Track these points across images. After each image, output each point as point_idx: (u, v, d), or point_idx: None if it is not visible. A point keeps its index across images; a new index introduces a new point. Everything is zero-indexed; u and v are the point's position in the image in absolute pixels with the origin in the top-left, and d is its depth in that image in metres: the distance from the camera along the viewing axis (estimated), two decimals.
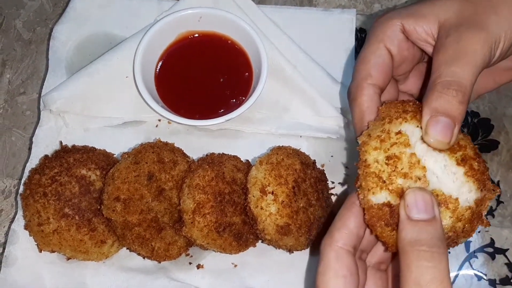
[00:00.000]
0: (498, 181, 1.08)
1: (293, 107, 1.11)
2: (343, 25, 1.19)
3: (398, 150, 0.66)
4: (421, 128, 0.68)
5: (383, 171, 0.66)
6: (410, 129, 0.68)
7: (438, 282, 0.59)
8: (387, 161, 0.66)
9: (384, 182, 0.66)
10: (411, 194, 0.65)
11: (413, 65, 0.84)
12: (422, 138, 0.67)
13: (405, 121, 0.69)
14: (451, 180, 0.67)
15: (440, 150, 0.67)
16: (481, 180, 0.68)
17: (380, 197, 0.67)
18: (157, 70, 1.12)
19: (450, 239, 0.68)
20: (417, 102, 0.73)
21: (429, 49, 0.77)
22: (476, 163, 0.68)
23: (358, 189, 0.69)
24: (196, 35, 1.14)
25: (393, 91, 0.85)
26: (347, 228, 0.68)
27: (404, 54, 0.80)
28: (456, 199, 0.66)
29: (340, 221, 0.69)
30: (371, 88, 0.77)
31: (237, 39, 1.12)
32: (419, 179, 0.66)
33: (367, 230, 0.71)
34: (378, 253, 0.76)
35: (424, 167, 0.66)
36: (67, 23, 1.19)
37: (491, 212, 1.06)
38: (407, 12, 0.78)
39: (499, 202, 1.06)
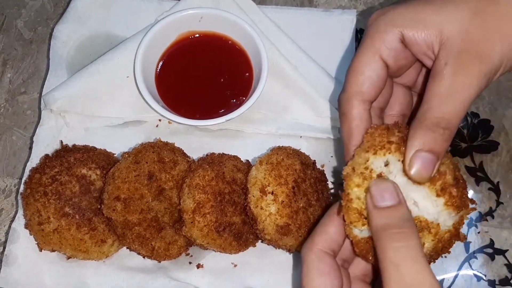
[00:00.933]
0: (498, 182, 1.08)
1: (293, 107, 1.11)
2: (343, 26, 1.19)
3: None
4: (398, 160, 0.69)
5: (365, 209, 0.68)
6: (393, 161, 0.69)
7: (410, 258, 0.61)
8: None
9: (366, 218, 0.68)
10: (375, 186, 0.67)
11: (410, 67, 0.82)
12: (403, 170, 0.68)
13: (389, 153, 0.69)
14: (432, 207, 0.70)
15: (420, 183, 0.68)
16: (460, 205, 0.70)
17: (363, 230, 0.69)
18: (158, 70, 1.12)
19: (431, 258, 0.73)
20: (402, 128, 0.72)
21: (427, 62, 0.74)
22: (455, 189, 0.70)
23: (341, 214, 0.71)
24: (197, 35, 1.14)
25: (387, 89, 0.82)
26: (327, 233, 0.71)
27: (400, 64, 0.77)
28: (438, 224, 0.69)
29: (320, 227, 0.72)
30: (361, 105, 0.76)
31: (237, 40, 1.12)
32: None
33: (346, 242, 0.74)
34: (360, 266, 0.77)
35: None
36: (68, 22, 1.19)
37: (490, 213, 1.06)
38: (407, 16, 0.72)
39: (498, 203, 1.07)
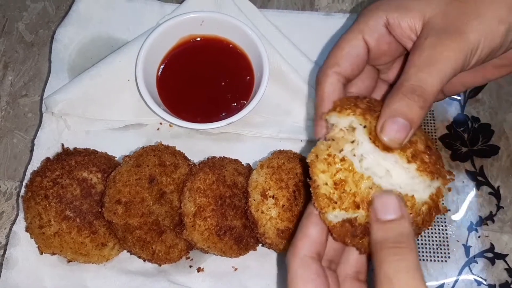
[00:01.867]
0: (498, 186, 1.08)
1: (294, 111, 1.12)
2: (344, 30, 1.19)
3: (343, 175, 0.68)
4: (364, 126, 0.70)
5: (333, 193, 0.69)
6: (356, 124, 0.71)
7: (405, 271, 0.61)
8: (335, 186, 0.68)
9: (336, 202, 0.68)
10: (378, 198, 0.67)
11: (394, 58, 0.84)
12: (370, 138, 0.70)
13: (353, 114, 0.71)
14: (404, 174, 0.69)
15: (390, 150, 0.69)
16: (434, 172, 0.70)
17: (336, 215, 0.69)
18: (159, 73, 1.12)
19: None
20: (372, 100, 0.75)
21: (410, 46, 0.77)
22: (426, 156, 0.70)
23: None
24: (198, 38, 1.14)
25: (370, 81, 0.86)
26: (308, 236, 0.70)
27: (383, 48, 0.80)
28: (412, 196, 0.69)
29: (301, 232, 0.71)
30: (335, 76, 0.78)
31: (239, 43, 1.13)
32: (371, 188, 0.68)
33: (330, 240, 0.73)
34: (351, 262, 0.76)
35: (369, 177, 0.68)
36: (69, 25, 1.19)
37: (491, 217, 1.06)
38: (393, 4, 0.77)
39: (499, 207, 1.07)
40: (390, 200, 0.66)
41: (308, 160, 0.71)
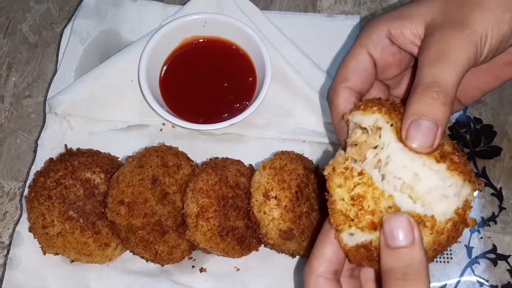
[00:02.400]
0: (501, 188, 1.08)
1: (296, 112, 1.12)
2: (347, 31, 1.20)
3: (362, 190, 0.65)
4: (391, 125, 0.66)
5: (350, 210, 0.65)
6: (382, 123, 0.67)
7: None
8: (352, 202, 0.65)
9: (352, 220, 0.66)
10: (387, 222, 0.64)
11: (401, 70, 0.83)
12: (398, 137, 0.66)
13: (379, 113, 0.67)
14: (434, 174, 0.65)
15: (418, 153, 0.65)
16: (465, 172, 0.66)
17: (352, 233, 0.66)
18: (162, 75, 1.12)
19: (436, 251, 0.68)
20: (394, 102, 0.71)
21: (415, 51, 0.76)
22: (456, 157, 0.67)
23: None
24: (201, 40, 1.15)
25: (382, 96, 0.84)
26: (324, 255, 0.69)
27: (388, 60, 0.79)
28: (432, 216, 0.65)
29: (317, 249, 0.70)
30: (346, 91, 0.76)
31: (241, 45, 1.13)
32: (390, 207, 0.65)
33: None
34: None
35: (391, 196, 0.65)
36: (87, 18, 1.18)
37: (493, 218, 1.06)
38: (394, 15, 0.76)
39: (501, 208, 1.07)
40: (400, 224, 0.63)
41: (325, 173, 0.67)
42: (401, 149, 0.65)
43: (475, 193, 0.69)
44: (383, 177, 0.66)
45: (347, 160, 0.66)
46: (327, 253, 0.69)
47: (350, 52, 0.79)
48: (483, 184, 0.70)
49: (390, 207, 0.65)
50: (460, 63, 0.67)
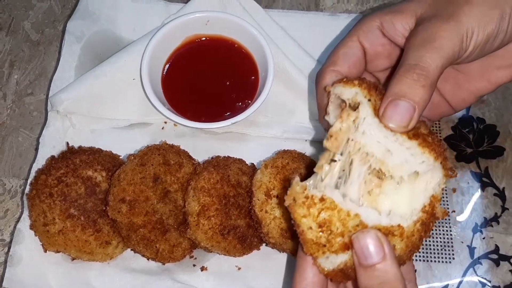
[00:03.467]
0: (504, 188, 1.08)
1: (298, 111, 1.12)
2: (349, 30, 1.19)
3: (327, 214, 0.65)
4: (369, 100, 0.68)
5: (320, 237, 0.66)
6: (361, 97, 0.68)
7: None
8: (320, 228, 0.65)
9: (325, 246, 0.66)
10: (356, 241, 0.65)
11: (390, 62, 0.84)
12: (374, 114, 0.67)
13: (359, 87, 0.69)
14: (405, 152, 0.67)
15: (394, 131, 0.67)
16: (438, 153, 0.67)
17: (328, 259, 0.67)
18: (164, 73, 1.12)
19: (411, 252, 0.69)
20: (378, 84, 0.74)
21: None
22: (430, 138, 0.68)
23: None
24: (203, 38, 1.14)
25: None
26: (307, 279, 0.70)
27: (378, 50, 0.81)
28: (399, 225, 0.66)
29: (299, 275, 0.71)
30: (333, 73, 0.78)
31: (244, 43, 1.13)
32: (357, 226, 0.66)
33: None
34: None
35: (357, 214, 0.65)
36: (80, 19, 1.19)
37: (496, 218, 1.06)
38: (387, 10, 0.79)
39: (504, 208, 1.06)
40: (370, 241, 0.64)
41: (286, 204, 0.67)
42: (376, 125, 0.67)
43: (444, 183, 0.70)
44: (344, 196, 0.66)
45: (305, 189, 0.65)
46: (308, 277, 0.70)
47: (341, 40, 0.82)
48: (456, 173, 0.71)
49: (357, 225, 0.65)
50: (445, 50, 0.69)
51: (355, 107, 0.69)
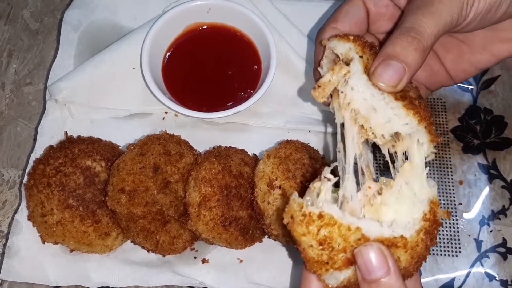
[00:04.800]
0: (511, 180, 1.05)
1: (302, 101, 1.09)
2: None
3: (327, 231, 0.62)
4: (360, 57, 0.69)
5: (321, 254, 0.63)
6: (353, 53, 0.70)
7: None
8: (321, 246, 0.63)
9: (327, 263, 0.64)
10: (358, 256, 0.63)
11: (393, 24, 0.84)
12: (365, 71, 0.68)
13: (353, 43, 0.70)
14: (390, 111, 0.67)
15: (382, 90, 0.68)
16: (423, 116, 0.68)
17: (331, 276, 0.65)
18: (165, 62, 1.10)
19: (418, 263, 0.68)
20: (375, 43, 0.74)
21: None
22: (417, 102, 0.69)
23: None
24: (205, 26, 1.12)
25: None
26: None
27: (381, 11, 0.82)
28: (401, 236, 0.64)
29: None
30: (334, 31, 0.79)
31: (246, 32, 1.11)
32: (359, 239, 0.63)
33: None
34: None
35: (358, 228, 0.63)
36: (77, 8, 1.17)
37: (503, 211, 1.03)
38: None
39: None
40: (373, 255, 0.62)
41: (284, 223, 0.65)
42: (365, 82, 0.68)
43: (431, 151, 0.69)
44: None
45: (302, 207, 0.63)
46: None
47: (345, 2, 0.82)
48: (441, 139, 0.71)
49: (359, 239, 0.63)
50: (443, 17, 0.69)
51: (348, 63, 0.70)
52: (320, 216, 0.62)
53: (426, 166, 0.68)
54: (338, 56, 0.72)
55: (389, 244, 0.64)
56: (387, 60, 0.67)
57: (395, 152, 0.69)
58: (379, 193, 0.66)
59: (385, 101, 0.68)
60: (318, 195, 0.64)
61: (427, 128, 0.68)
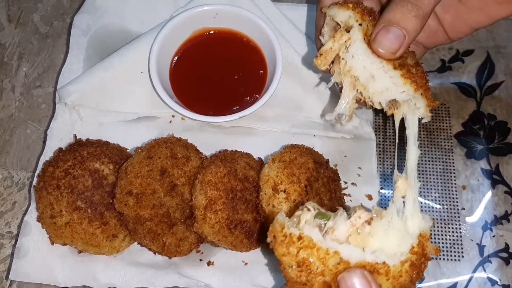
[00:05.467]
0: None
1: (307, 106, 1.11)
2: None
3: (305, 253, 0.64)
4: (360, 24, 0.71)
5: (300, 276, 0.64)
6: (353, 21, 0.72)
7: None
8: (299, 268, 0.64)
9: (305, 284, 0.65)
10: (342, 282, 0.63)
11: None
12: (364, 39, 0.70)
13: (353, 11, 0.72)
14: (387, 79, 0.70)
15: (381, 57, 0.69)
16: (418, 84, 0.70)
17: None
18: (172, 66, 1.12)
19: None
20: (376, 12, 0.76)
21: None
22: (414, 69, 0.71)
23: None
24: (212, 31, 1.14)
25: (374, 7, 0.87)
26: None
27: None
28: (384, 263, 0.65)
29: None
30: None
31: (252, 37, 1.12)
32: (338, 264, 0.64)
33: None
34: None
35: (336, 252, 0.64)
36: (86, 13, 1.19)
37: (506, 216, 1.04)
38: None
39: None
40: (356, 280, 0.63)
41: (268, 241, 0.66)
42: (364, 50, 0.71)
43: (427, 115, 0.72)
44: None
45: (283, 228, 0.64)
46: None
47: None
48: (437, 103, 0.75)
49: (338, 263, 0.64)
50: None
51: (348, 30, 0.72)
52: (300, 238, 0.64)
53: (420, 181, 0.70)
54: (338, 24, 0.74)
55: (371, 269, 0.65)
56: (387, 27, 0.69)
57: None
58: (369, 223, 0.66)
59: (384, 69, 0.71)
60: (299, 221, 0.66)
61: (424, 94, 0.72)
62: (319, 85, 1.10)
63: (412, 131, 0.71)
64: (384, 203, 1.04)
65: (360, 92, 0.73)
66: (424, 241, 0.68)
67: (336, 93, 1.08)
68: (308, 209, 0.66)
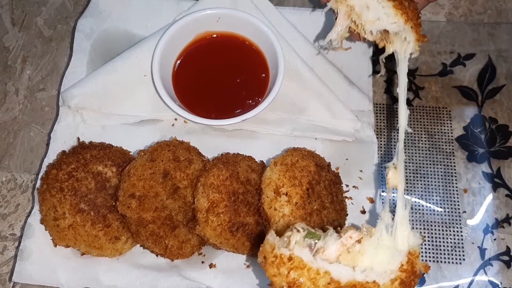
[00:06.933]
0: None
1: (309, 109, 1.11)
2: None
3: (296, 274, 0.65)
4: None
5: None
6: None
7: None
8: None
9: None
10: None
11: None
12: None
13: None
14: (380, 10, 0.75)
15: None
16: (409, 16, 0.73)
17: None
18: (175, 69, 1.12)
19: None
20: None
21: None
22: (406, 2, 0.74)
23: None
24: (214, 35, 1.14)
25: None
26: None
27: None
28: (374, 282, 0.66)
29: None
30: None
31: (254, 40, 1.13)
32: (329, 284, 0.65)
33: None
34: None
35: (327, 272, 0.65)
36: (90, 17, 1.20)
37: (507, 220, 1.04)
38: None
39: None
40: None
41: (258, 262, 0.67)
42: None
43: (417, 49, 0.77)
44: None
45: (273, 249, 0.65)
46: None
47: None
48: (427, 39, 0.78)
49: (329, 283, 0.65)
50: None
51: None
52: (290, 258, 0.65)
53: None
54: None
55: None
56: None
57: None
58: (359, 242, 0.67)
59: (379, 0, 0.75)
60: (289, 242, 0.67)
61: (414, 28, 0.75)
62: (321, 88, 1.10)
63: (402, 67, 0.76)
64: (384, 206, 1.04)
65: (354, 22, 0.78)
66: (414, 258, 0.68)
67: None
68: (298, 230, 0.68)
